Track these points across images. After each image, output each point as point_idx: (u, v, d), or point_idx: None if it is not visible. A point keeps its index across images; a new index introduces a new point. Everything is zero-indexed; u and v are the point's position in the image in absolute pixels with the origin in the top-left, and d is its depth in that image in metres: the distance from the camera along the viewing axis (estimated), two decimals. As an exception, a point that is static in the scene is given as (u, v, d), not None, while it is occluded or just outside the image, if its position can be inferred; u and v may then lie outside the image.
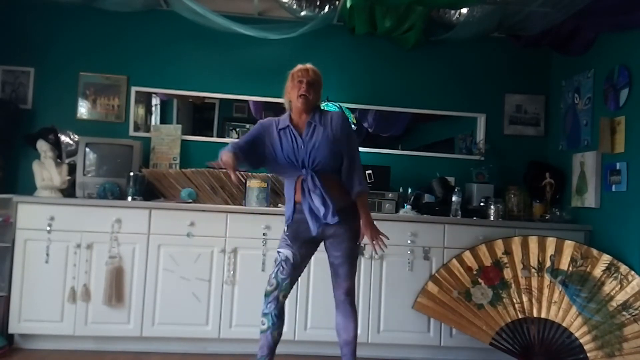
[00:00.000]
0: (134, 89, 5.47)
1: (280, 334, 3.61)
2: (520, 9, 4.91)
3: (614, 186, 4.78)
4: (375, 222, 4.73)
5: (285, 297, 3.62)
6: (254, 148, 3.61)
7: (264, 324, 3.57)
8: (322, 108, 3.79)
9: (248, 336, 4.56)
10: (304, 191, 3.54)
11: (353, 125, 5.30)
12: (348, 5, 5.00)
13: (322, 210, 3.50)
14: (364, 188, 3.69)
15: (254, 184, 4.96)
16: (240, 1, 5.42)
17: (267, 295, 3.58)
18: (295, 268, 3.63)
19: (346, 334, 3.70)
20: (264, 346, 3.58)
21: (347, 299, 3.71)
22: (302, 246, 3.64)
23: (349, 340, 3.70)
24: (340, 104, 5.37)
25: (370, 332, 4.82)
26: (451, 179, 5.47)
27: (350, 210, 3.66)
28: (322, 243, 3.72)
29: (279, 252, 3.63)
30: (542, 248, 4.73)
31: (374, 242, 3.66)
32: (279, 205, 5.06)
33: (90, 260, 4.65)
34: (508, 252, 4.78)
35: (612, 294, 4.47)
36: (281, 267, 3.58)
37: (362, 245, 3.73)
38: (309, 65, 3.68)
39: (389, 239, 3.73)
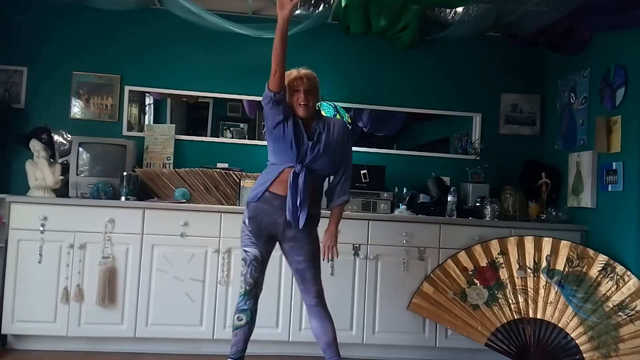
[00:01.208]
0: (127, 89, 5.44)
1: (253, 328, 3.72)
2: (516, 8, 4.89)
3: (610, 186, 4.77)
4: (370, 222, 4.73)
5: (261, 291, 3.75)
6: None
7: (241, 320, 3.67)
8: (321, 113, 3.81)
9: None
10: (291, 185, 3.56)
11: (348, 125, 5.29)
12: (342, 4, 4.99)
13: (297, 212, 3.56)
14: (348, 197, 3.83)
15: (248, 184, 4.94)
16: (234, 0, 5.39)
17: (246, 293, 3.67)
18: (264, 263, 3.73)
19: (326, 336, 3.73)
20: (240, 341, 3.68)
21: (319, 302, 3.75)
22: (265, 242, 3.71)
23: (330, 342, 3.73)
24: (335, 103, 5.35)
25: (365, 333, 4.80)
26: (446, 179, 5.46)
27: (314, 219, 3.74)
28: (280, 246, 3.77)
29: (246, 251, 3.68)
30: (538, 248, 4.71)
31: (327, 250, 3.73)
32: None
33: (83, 260, 4.63)
34: (504, 252, 4.76)
35: (608, 294, 4.46)
36: (253, 267, 3.66)
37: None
38: (302, 72, 3.68)
39: (337, 256, 3.81)
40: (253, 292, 3.68)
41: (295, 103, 3.64)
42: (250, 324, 3.68)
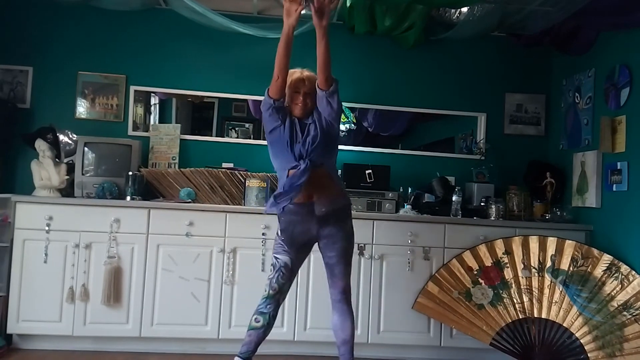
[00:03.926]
0: (132, 88, 5.44)
1: (268, 333, 3.73)
2: (521, 8, 4.90)
3: (614, 186, 4.76)
4: (375, 222, 4.75)
5: (284, 299, 3.77)
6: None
7: (258, 322, 3.68)
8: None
9: (247, 336, 4.55)
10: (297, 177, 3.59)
11: (353, 125, 5.29)
12: (348, 4, 4.99)
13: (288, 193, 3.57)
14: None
15: (253, 184, 4.95)
16: (239, 0, 5.40)
17: (269, 297, 3.68)
18: (293, 272, 3.75)
19: (344, 333, 3.77)
20: (252, 342, 3.69)
21: (343, 298, 3.77)
22: (298, 250, 3.75)
23: (347, 339, 3.76)
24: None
25: (370, 333, 4.80)
26: (451, 179, 5.46)
27: (344, 211, 3.77)
28: (317, 244, 3.80)
29: (276, 257, 3.72)
30: (542, 248, 4.71)
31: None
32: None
33: (88, 260, 4.63)
34: (508, 252, 4.76)
35: (612, 294, 4.45)
36: (281, 273, 3.68)
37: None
38: (305, 74, 3.74)
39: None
40: (276, 297, 3.69)
41: (294, 103, 3.70)
42: (266, 328, 3.68)
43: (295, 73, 3.71)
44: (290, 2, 3.54)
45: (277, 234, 3.77)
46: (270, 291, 3.68)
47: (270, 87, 3.60)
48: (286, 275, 3.70)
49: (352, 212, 3.86)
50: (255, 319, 3.68)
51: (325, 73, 3.59)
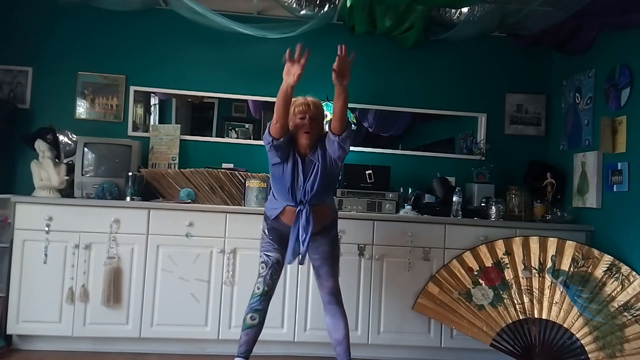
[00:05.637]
0: (132, 89, 5.44)
1: (262, 328, 3.82)
2: (521, 8, 4.89)
3: (615, 186, 4.76)
4: (375, 223, 4.75)
5: (273, 294, 3.87)
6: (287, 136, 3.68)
7: (254, 319, 3.75)
8: (324, 131, 3.84)
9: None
10: (296, 220, 3.71)
11: (353, 126, 5.27)
12: (348, 4, 4.98)
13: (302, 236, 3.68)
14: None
15: (253, 184, 4.94)
16: (239, 0, 5.40)
17: (263, 294, 3.78)
18: (281, 267, 3.90)
19: (337, 333, 3.85)
20: (250, 340, 3.76)
21: (333, 299, 3.87)
22: (284, 247, 3.84)
23: (340, 339, 3.84)
24: (340, 103, 5.34)
25: (370, 333, 4.80)
26: (452, 179, 5.46)
27: (330, 224, 3.89)
28: None
29: (268, 255, 3.82)
30: (543, 248, 4.70)
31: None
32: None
33: (88, 260, 4.63)
34: (509, 252, 4.76)
35: (613, 294, 4.45)
36: (274, 269, 3.80)
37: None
38: (309, 99, 3.75)
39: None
40: (269, 293, 3.80)
41: (300, 131, 3.70)
42: (262, 324, 3.77)
43: (299, 99, 3.73)
44: (290, 63, 3.46)
45: (265, 232, 3.88)
46: (265, 288, 3.77)
47: (270, 126, 3.63)
48: (278, 271, 3.84)
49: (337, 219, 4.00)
50: (252, 317, 3.74)
51: (341, 122, 3.59)
